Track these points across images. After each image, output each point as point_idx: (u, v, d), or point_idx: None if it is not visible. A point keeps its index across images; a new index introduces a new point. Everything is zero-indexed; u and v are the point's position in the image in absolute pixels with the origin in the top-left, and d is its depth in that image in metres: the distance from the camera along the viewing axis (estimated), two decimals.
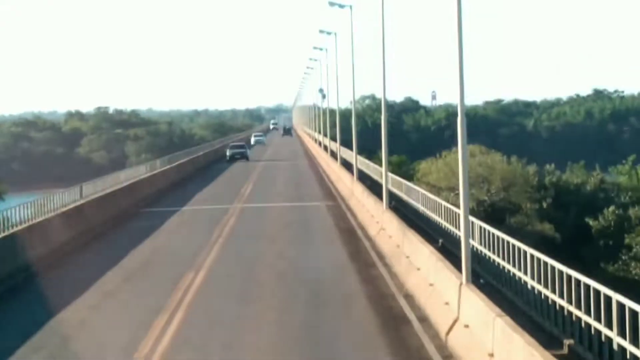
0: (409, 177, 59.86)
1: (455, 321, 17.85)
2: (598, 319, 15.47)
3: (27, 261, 28.47)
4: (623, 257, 47.48)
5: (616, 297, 14.69)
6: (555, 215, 56.65)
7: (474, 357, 15.95)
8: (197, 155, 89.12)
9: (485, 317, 15.86)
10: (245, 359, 18.11)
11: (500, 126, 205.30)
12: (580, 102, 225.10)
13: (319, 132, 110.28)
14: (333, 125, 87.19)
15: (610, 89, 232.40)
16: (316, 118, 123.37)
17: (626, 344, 14.38)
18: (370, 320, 20.70)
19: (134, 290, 25.42)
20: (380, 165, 62.99)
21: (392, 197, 38.07)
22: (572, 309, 16.90)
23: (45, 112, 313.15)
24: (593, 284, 15.76)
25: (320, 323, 20.83)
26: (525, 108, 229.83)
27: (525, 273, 20.11)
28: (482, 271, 23.94)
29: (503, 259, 21.64)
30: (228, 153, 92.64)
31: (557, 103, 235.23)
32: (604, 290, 15.23)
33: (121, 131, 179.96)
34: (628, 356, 14.35)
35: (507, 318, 15.04)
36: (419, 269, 23.10)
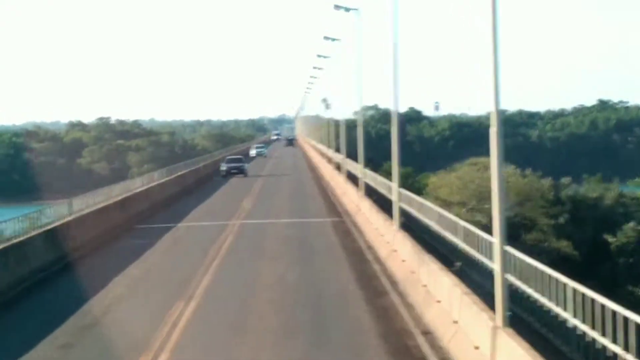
0: (416, 190, 56.99)
1: None
2: None
3: None
4: None
5: None
6: (572, 232, 53.82)
7: None
8: (196, 167, 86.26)
9: None
10: None
11: (504, 137, 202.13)
12: (585, 112, 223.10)
13: (322, 144, 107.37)
14: (337, 136, 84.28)
15: (615, 100, 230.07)
16: (319, 129, 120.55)
17: None
18: None
19: (112, 325, 22.37)
20: (387, 177, 60.48)
21: (401, 212, 35.12)
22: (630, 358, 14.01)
23: (48, 123, 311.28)
24: None
25: None
26: (529, 119, 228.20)
27: (565, 309, 17.24)
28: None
29: (542, 294, 18.64)
30: (223, 168, 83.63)
31: (562, 114, 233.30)
32: None
33: (123, 142, 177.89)
34: None
35: None
36: (439, 302, 20.14)
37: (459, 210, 50.33)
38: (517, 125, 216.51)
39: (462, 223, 29.21)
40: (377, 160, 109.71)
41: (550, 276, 18.05)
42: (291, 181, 75.65)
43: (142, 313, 23.34)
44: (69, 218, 36.60)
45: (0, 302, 25.25)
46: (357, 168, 64.39)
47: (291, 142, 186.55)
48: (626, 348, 14.28)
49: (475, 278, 27.08)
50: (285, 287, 26.39)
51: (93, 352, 19.73)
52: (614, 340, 14.59)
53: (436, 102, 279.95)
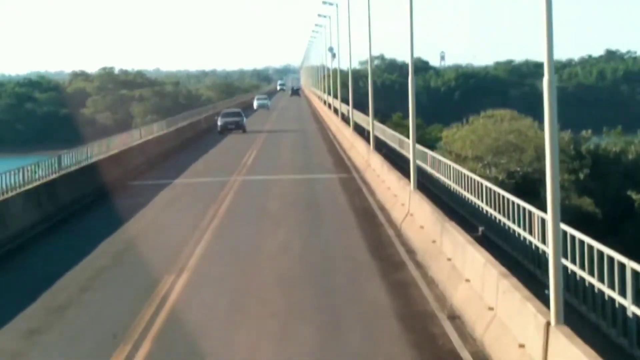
0: (425, 143, 54.07)
1: None
2: None
3: None
4: None
5: None
6: (593, 188, 50.77)
7: None
8: (197, 118, 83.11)
9: None
10: None
11: (512, 87, 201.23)
12: (592, 62, 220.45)
13: (328, 94, 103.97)
14: (343, 86, 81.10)
15: (623, 50, 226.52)
16: (325, 79, 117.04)
17: None
18: (405, 355, 14.99)
19: (91, 305, 19.46)
20: (396, 130, 57.48)
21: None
22: None
23: (52, 72, 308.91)
24: None
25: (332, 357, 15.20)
26: (536, 69, 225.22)
27: (625, 296, 14.37)
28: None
29: (598, 278, 15.69)
30: (219, 123, 75.11)
31: (569, 64, 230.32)
32: None
33: (126, 92, 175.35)
34: None
35: None
36: (468, 281, 17.18)
37: (475, 165, 47.29)
38: (524, 76, 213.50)
39: (486, 183, 26.28)
40: (383, 111, 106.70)
41: (608, 256, 15.12)
42: (295, 133, 72.43)
43: (124, 291, 20.40)
44: (54, 175, 33.61)
45: None
46: (366, 120, 61.35)
47: (297, 92, 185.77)
48: None
49: (498, 244, 24.29)
50: (289, 257, 23.48)
51: (65, 338, 16.87)
52: None
53: (442, 52, 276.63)
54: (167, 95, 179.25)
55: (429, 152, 37.29)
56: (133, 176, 43.63)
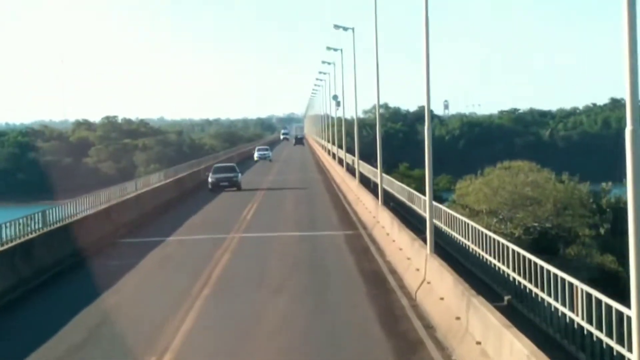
0: (433, 194, 51.05)
1: None
2: None
3: None
4: None
5: None
6: (614, 244, 47.78)
7: None
8: (197, 169, 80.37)
9: None
10: None
11: (516, 135, 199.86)
12: (597, 111, 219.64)
13: (332, 143, 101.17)
14: (347, 135, 78.46)
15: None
16: (328, 128, 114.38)
17: None
18: None
19: None
20: (403, 181, 54.64)
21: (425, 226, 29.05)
22: None
23: (57, 121, 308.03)
24: None
25: None
26: (541, 117, 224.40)
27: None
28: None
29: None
30: (210, 180, 65.81)
31: (574, 112, 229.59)
32: None
33: (130, 141, 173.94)
34: None
35: None
36: None
37: (489, 220, 44.34)
38: (528, 124, 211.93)
39: (514, 247, 23.27)
40: (388, 161, 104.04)
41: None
42: (298, 184, 69.53)
43: None
44: (32, 235, 30.64)
45: None
46: (372, 171, 58.52)
47: (300, 140, 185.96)
48: None
49: (528, 317, 21.34)
50: (290, 332, 20.45)
51: None
52: None
53: (445, 101, 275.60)
54: (171, 144, 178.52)
55: (444, 208, 34.34)
56: (124, 233, 40.70)
